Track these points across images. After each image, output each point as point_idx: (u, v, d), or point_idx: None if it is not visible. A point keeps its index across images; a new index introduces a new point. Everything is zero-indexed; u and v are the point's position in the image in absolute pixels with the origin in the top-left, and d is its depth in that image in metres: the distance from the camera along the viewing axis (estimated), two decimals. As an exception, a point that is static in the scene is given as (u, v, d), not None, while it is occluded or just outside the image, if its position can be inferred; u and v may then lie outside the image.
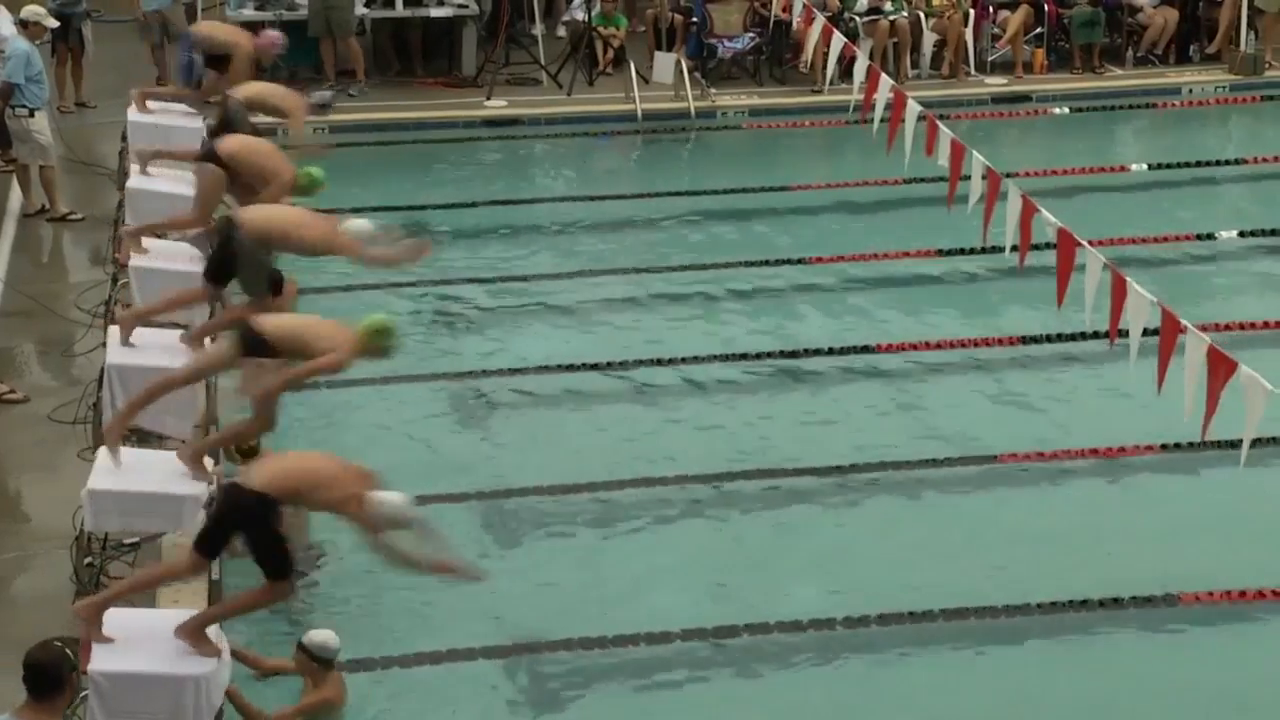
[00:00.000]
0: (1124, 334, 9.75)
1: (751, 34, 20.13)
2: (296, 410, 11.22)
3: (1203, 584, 10.01)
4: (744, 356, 13.19)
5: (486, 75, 19.52)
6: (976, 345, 13.42)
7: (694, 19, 20.15)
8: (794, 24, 17.92)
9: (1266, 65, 20.19)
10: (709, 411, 12.43)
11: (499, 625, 9.71)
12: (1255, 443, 8.38)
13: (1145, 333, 9.43)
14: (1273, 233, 15.60)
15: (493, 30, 19.85)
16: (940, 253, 15.11)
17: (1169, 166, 17.47)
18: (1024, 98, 19.87)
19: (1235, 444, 8.42)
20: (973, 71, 20.49)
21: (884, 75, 14.16)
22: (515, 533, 10.76)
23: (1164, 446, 11.54)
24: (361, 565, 9.65)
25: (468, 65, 20.02)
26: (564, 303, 14.33)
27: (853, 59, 14.78)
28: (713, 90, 19.49)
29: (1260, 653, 9.64)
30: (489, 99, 19.17)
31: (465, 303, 14.34)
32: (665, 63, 19.74)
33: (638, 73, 19.24)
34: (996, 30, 20.72)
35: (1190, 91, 19.94)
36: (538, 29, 20.63)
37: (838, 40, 15.19)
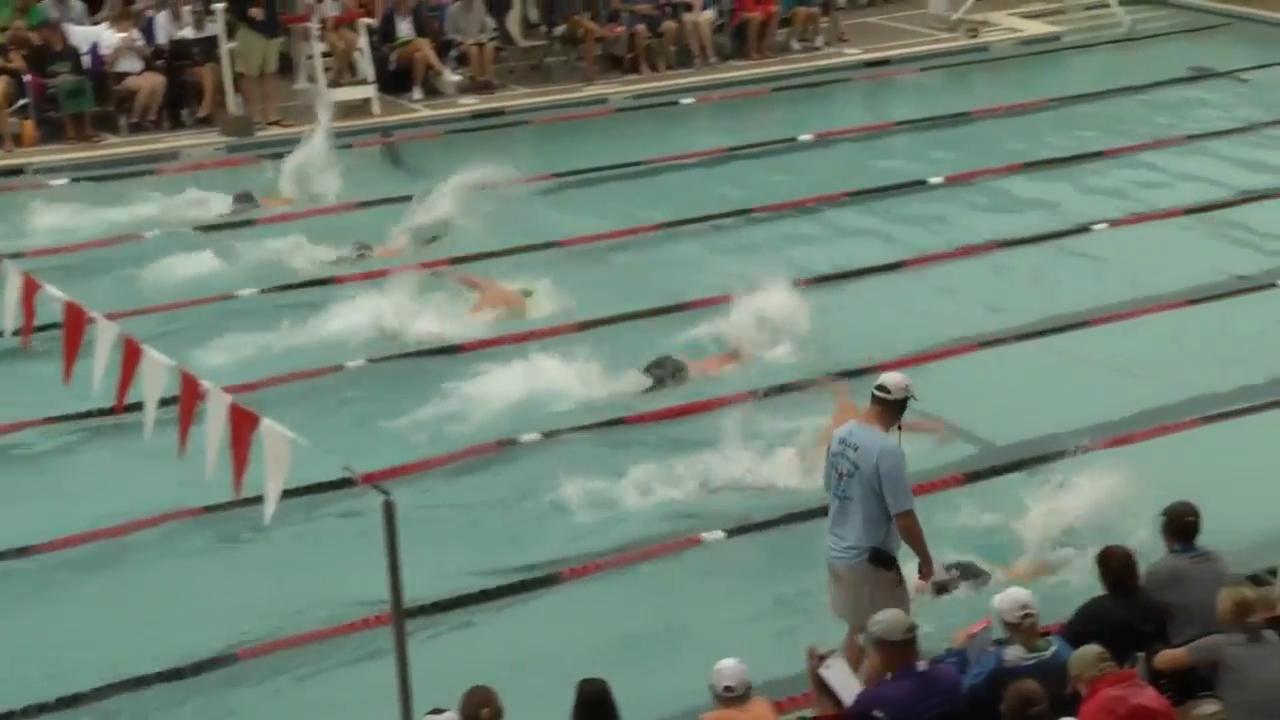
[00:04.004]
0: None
1: None
2: None
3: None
4: None
5: None
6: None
7: None
8: None
9: (257, 125, 20.53)
10: None
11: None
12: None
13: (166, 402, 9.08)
14: (288, 288, 15.74)
15: None
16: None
17: (178, 232, 17.23)
18: (17, 171, 19.00)
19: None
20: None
21: None
22: None
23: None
24: None
25: None
26: None
27: None
28: None
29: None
30: None
31: None
32: None
33: None
34: (-24, 104, 19.79)
35: (189, 155, 19.89)
36: None
37: None
